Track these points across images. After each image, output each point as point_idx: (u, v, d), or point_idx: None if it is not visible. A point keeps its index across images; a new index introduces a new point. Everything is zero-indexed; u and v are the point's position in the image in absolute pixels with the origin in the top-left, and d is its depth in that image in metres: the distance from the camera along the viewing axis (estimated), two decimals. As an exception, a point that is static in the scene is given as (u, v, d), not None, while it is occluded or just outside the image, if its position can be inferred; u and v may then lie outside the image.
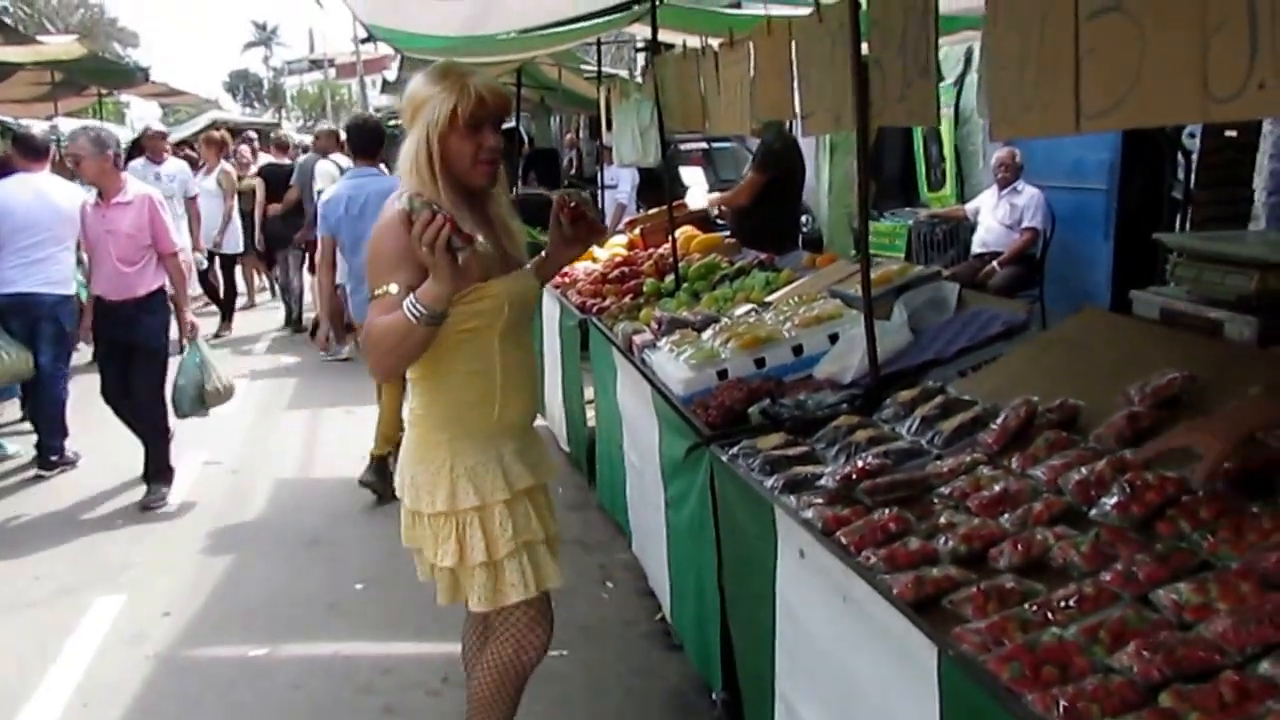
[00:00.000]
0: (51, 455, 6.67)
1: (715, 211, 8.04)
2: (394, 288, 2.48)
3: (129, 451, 6.28)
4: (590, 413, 5.62)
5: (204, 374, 6.15)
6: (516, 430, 2.78)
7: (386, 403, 5.87)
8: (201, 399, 6.18)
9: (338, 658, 4.22)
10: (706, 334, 4.12)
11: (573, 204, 2.86)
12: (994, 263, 7.79)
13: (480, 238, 2.49)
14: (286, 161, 11.86)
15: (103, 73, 14.52)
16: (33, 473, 6.67)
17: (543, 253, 2.99)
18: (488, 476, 2.69)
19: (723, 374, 3.77)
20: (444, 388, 2.71)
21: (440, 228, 2.33)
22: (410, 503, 2.78)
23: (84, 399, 6.81)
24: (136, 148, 10.82)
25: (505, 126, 2.75)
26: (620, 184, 10.44)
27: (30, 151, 6.49)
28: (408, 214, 2.37)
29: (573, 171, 16.41)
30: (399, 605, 4.52)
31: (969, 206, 8.70)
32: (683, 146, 13.03)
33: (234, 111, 47.60)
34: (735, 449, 2.99)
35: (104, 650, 4.37)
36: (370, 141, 6.13)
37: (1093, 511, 2.22)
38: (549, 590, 2.87)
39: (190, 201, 9.36)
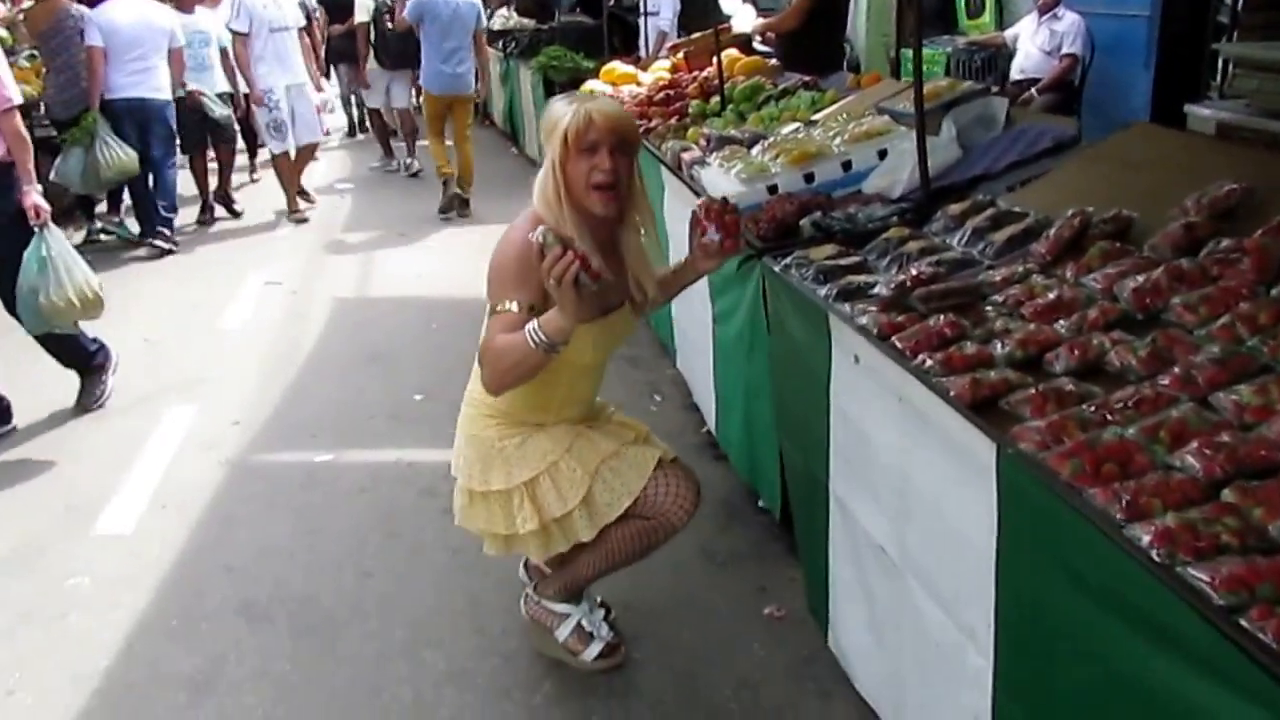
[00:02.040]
0: (168, 228, 7.78)
1: (758, 38, 7.72)
2: (515, 305, 2.40)
3: (188, 275, 6.26)
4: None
5: (43, 280, 4.40)
6: (572, 421, 2.77)
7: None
8: (38, 311, 4.46)
9: (400, 463, 4.25)
10: (755, 150, 3.96)
11: (727, 213, 2.59)
12: (1032, 90, 7.49)
13: (607, 272, 2.32)
14: None
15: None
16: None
17: (681, 260, 2.79)
18: (538, 446, 2.66)
19: (773, 189, 3.63)
20: (505, 404, 2.66)
21: (570, 264, 2.18)
22: (464, 480, 2.74)
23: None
24: None
25: None
26: (662, 10, 10.06)
27: None
28: (540, 247, 2.22)
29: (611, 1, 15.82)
30: (455, 413, 4.52)
31: (1008, 33, 8.34)
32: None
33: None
34: (788, 260, 2.89)
35: (179, 456, 4.43)
36: None
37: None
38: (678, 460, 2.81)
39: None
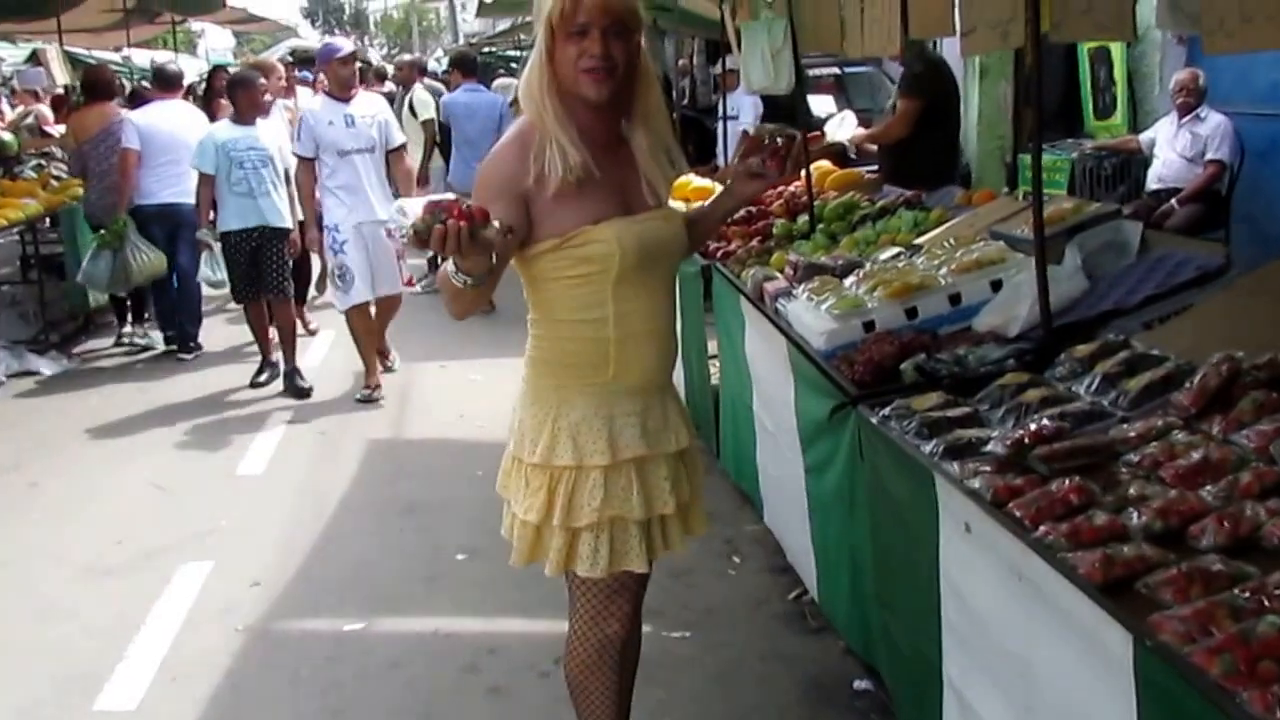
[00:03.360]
0: (190, 342, 8.57)
1: (853, 150, 7.90)
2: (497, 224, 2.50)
3: (206, 415, 6.45)
4: (714, 370, 5.59)
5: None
6: (637, 391, 2.72)
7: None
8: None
9: (439, 635, 4.29)
10: (849, 281, 4.06)
11: (782, 139, 2.72)
12: (1172, 201, 7.57)
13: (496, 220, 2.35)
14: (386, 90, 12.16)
15: (177, -1, 14.87)
16: (116, 425, 6.93)
17: (716, 193, 2.93)
18: (590, 436, 2.67)
19: (869, 325, 3.71)
20: (554, 334, 2.71)
21: (455, 232, 2.23)
22: (514, 447, 2.80)
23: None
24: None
25: None
26: (742, 114, 10.38)
27: (166, 83, 8.89)
28: (418, 237, 2.26)
29: (684, 101, 16.30)
30: (504, 578, 4.52)
31: (1143, 137, 8.45)
32: (811, 72, 12.82)
33: (312, 39, 48.39)
34: (887, 410, 2.95)
35: (191, 621, 4.51)
36: (472, 65, 10.49)
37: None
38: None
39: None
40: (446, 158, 10.41)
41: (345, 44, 7.48)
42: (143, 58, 15.81)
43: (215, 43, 30.67)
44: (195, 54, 26.00)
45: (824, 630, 4.04)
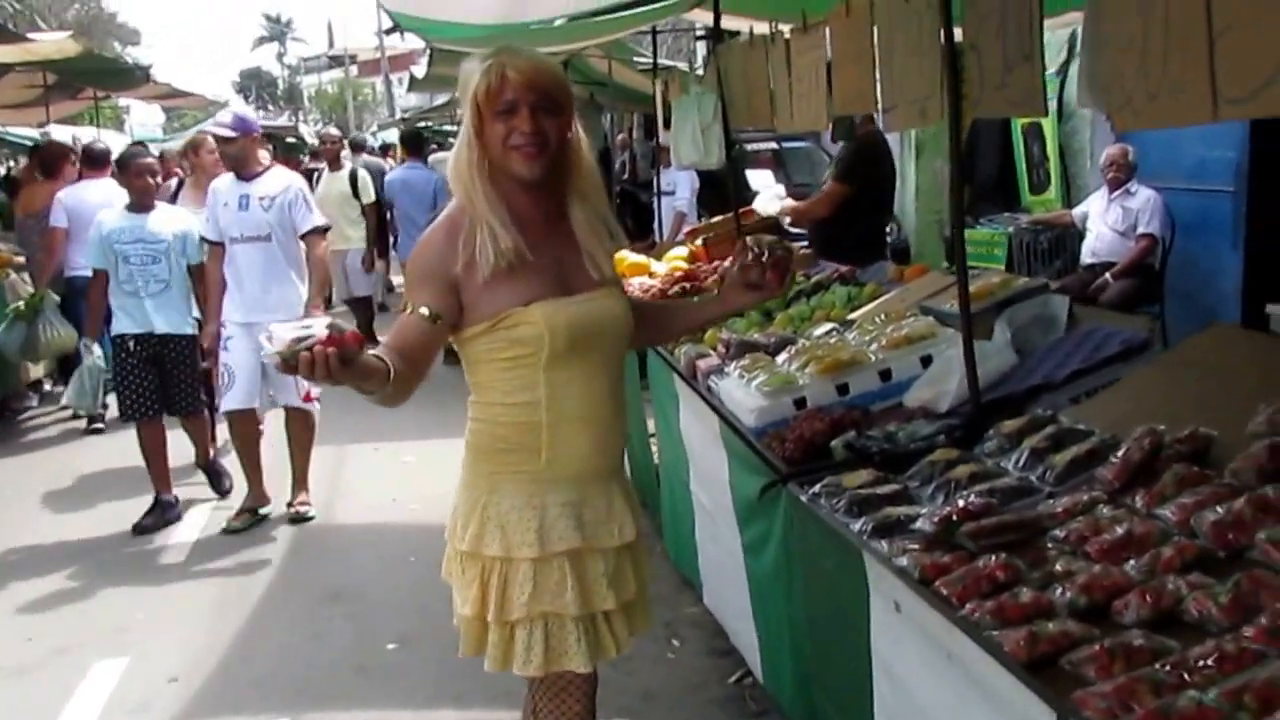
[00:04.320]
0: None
1: (788, 220, 8.03)
2: (420, 309, 2.56)
3: (124, 498, 6.38)
4: (655, 448, 5.62)
5: None
6: (573, 479, 2.69)
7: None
8: None
9: (368, 727, 4.25)
10: (781, 357, 4.11)
11: (774, 255, 2.74)
12: (1106, 275, 7.73)
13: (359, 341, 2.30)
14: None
15: (100, 73, 14.80)
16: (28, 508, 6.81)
17: (713, 292, 2.92)
18: (519, 526, 2.64)
19: (800, 403, 3.76)
20: (489, 417, 2.70)
21: (323, 358, 2.18)
22: (448, 533, 2.79)
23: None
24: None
25: None
26: (678, 189, 10.50)
27: (93, 161, 9.09)
28: (286, 365, 2.21)
29: (625, 176, 16.48)
30: (439, 667, 4.53)
31: (1076, 212, 8.67)
32: (749, 146, 13.07)
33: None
34: (817, 487, 2.98)
35: (104, 720, 4.44)
36: (419, 144, 11.66)
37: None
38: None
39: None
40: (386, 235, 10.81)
41: (250, 116, 6.70)
42: (64, 133, 15.72)
43: (142, 118, 30.56)
44: (121, 130, 25.88)
45: (765, 714, 4.05)
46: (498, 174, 2.57)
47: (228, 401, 6.43)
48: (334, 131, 13.80)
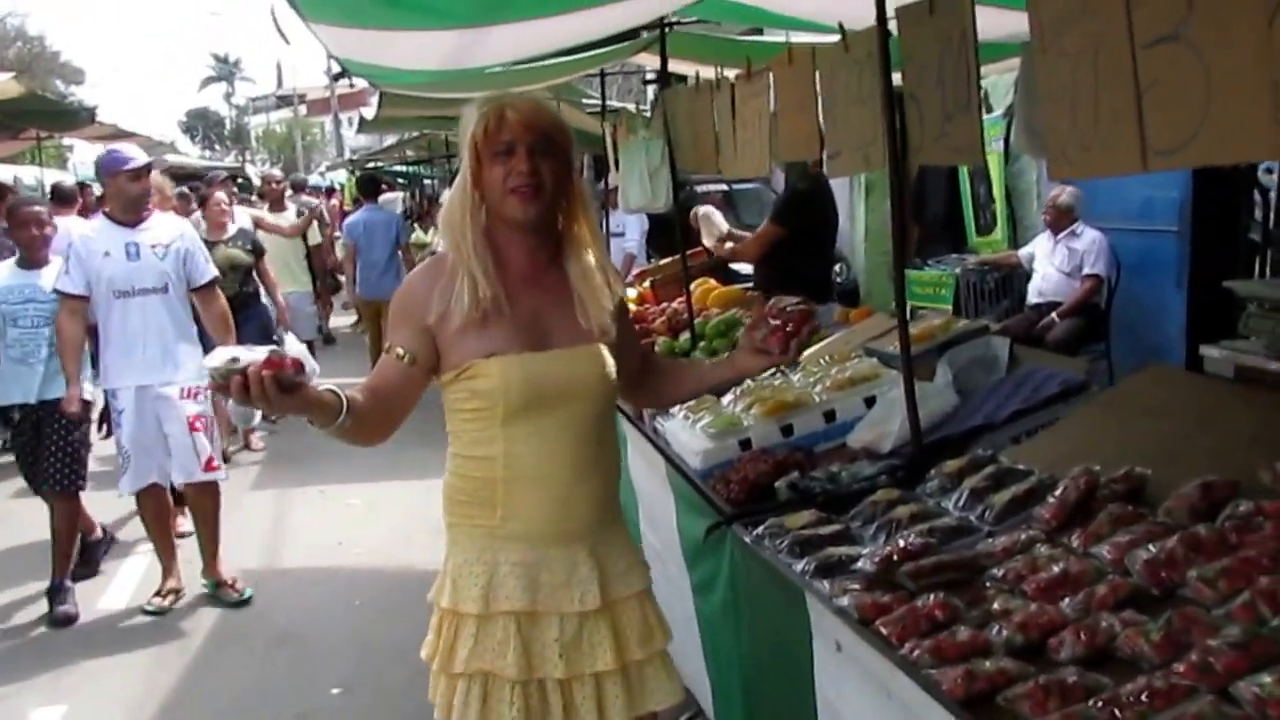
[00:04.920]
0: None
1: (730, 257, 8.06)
2: (396, 350, 2.57)
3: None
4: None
5: None
6: (531, 539, 2.61)
7: None
8: None
9: (311, 774, 4.23)
10: (726, 399, 4.16)
11: (787, 318, 2.68)
12: (1053, 314, 7.85)
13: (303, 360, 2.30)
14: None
15: (43, 113, 14.70)
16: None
17: (729, 354, 2.86)
18: (468, 580, 2.60)
19: (745, 444, 3.81)
20: (452, 466, 2.68)
21: (257, 382, 2.18)
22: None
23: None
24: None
25: None
26: (628, 231, 10.56)
27: (62, 199, 9.47)
28: (217, 385, 2.21)
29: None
30: (383, 713, 4.53)
31: (1022, 252, 8.79)
32: (699, 188, 13.15)
33: (192, 154, 48.16)
34: (761, 528, 3.02)
35: (44, 769, 4.39)
36: (374, 187, 12.52)
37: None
38: None
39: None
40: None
41: (138, 154, 5.82)
42: (6, 173, 15.61)
43: (86, 157, 30.30)
44: (65, 169, 25.68)
45: (712, 755, 4.06)
46: (494, 220, 2.55)
47: (125, 484, 5.85)
48: (276, 173, 13.87)
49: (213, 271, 6.00)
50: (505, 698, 2.58)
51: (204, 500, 6.05)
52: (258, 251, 8.71)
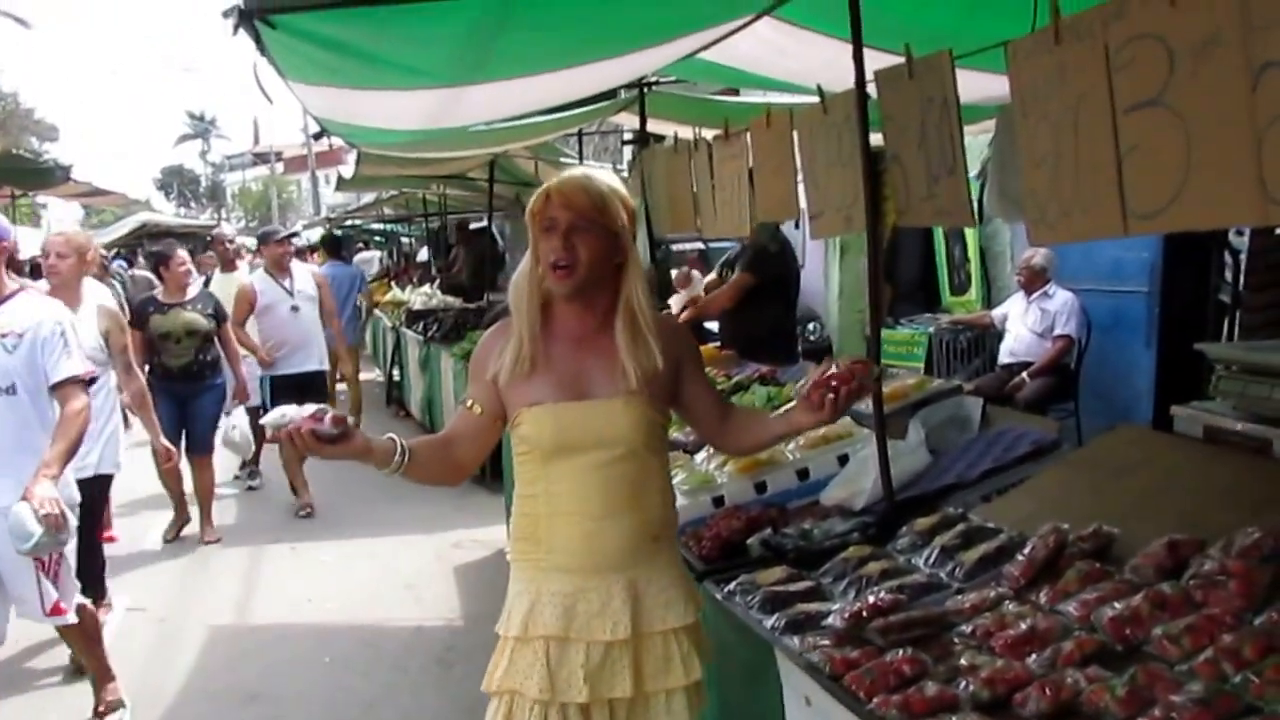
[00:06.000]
0: None
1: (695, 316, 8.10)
2: (467, 402, 2.84)
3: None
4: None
5: None
6: (571, 571, 2.74)
7: None
8: None
9: (280, 834, 4.19)
10: (700, 456, 4.20)
11: (839, 376, 2.65)
12: (1024, 374, 7.91)
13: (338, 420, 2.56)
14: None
15: (17, 171, 14.74)
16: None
17: (786, 407, 2.91)
18: (517, 608, 2.77)
19: (719, 501, 3.84)
20: (514, 504, 2.88)
21: (299, 435, 2.48)
22: None
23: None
24: None
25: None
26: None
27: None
28: (272, 435, 2.54)
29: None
30: (351, 771, 4.50)
31: (995, 312, 8.88)
32: (676, 247, 13.22)
33: (167, 212, 48.17)
34: (732, 585, 3.05)
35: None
36: (337, 246, 14.57)
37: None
38: None
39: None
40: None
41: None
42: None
43: (60, 214, 30.26)
44: (38, 226, 25.62)
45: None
46: (544, 289, 2.75)
47: None
48: (227, 230, 12.92)
49: (74, 369, 4.66)
50: (526, 717, 2.72)
51: (74, 638, 5.13)
52: (219, 317, 8.09)
